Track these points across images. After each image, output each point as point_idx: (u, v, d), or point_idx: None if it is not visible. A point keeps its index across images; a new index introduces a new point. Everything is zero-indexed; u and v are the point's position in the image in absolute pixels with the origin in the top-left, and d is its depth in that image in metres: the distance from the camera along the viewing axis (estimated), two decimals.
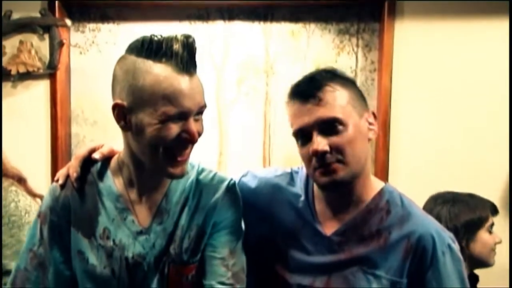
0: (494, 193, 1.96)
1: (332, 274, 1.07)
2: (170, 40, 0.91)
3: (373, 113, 1.11)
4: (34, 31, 2.07)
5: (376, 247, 1.06)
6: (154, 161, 0.95)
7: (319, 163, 1.02)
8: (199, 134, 0.95)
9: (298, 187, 1.17)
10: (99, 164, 1.07)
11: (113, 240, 1.01)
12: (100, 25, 2.14)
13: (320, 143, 1.00)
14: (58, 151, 2.10)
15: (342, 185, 1.04)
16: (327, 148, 1.01)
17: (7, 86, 2.10)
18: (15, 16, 2.05)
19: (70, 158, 2.15)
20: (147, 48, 0.91)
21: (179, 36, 0.91)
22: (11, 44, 2.07)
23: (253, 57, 2.15)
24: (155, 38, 0.91)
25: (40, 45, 2.08)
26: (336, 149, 1.01)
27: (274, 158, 2.13)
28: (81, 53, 2.15)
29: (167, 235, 1.02)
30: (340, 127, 1.01)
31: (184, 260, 1.02)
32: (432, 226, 1.09)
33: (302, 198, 1.15)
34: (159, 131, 0.91)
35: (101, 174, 1.05)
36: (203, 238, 1.04)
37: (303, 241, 1.11)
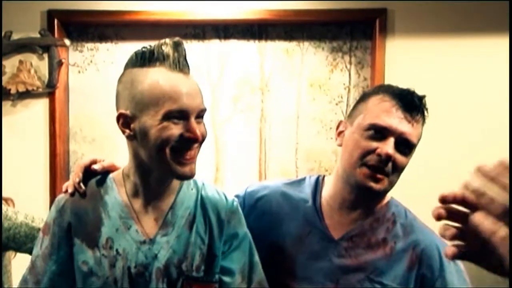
0: None
1: (339, 282, 1.09)
2: (160, 46, 0.96)
3: None
4: (34, 51, 2.09)
5: (382, 255, 1.09)
6: (162, 164, 0.97)
7: (376, 165, 1.05)
8: (203, 136, 0.97)
9: (305, 193, 1.20)
10: (104, 176, 1.09)
11: (116, 250, 1.02)
12: (98, 44, 2.18)
13: (392, 150, 1.05)
14: (57, 168, 2.12)
15: (373, 195, 1.09)
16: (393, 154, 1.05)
17: (6, 105, 2.12)
18: (15, 36, 2.08)
19: (68, 175, 2.17)
20: (141, 58, 0.97)
21: (168, 41, 0.97)
22: (11, 63, 2.09)
23: (248, 75, 2.19)
24: (146, 48, 0.97)
25: (39, 65, 2.11)
26: (395, 165, 1.06)
27: (270, 173, 2.12)
28: (79, 72, 2.18)
29: (170, 247, 1.03)
30: (408, 151, 1.08)
31: (196, 277, 1.03)
32: (434, 238, 1.11)
33: (310, 203, 1.18)
34: (162, 131, 0.93)
35: (106, 186, 1.07)
36: (215, 260, 1.05)
37: (311, 246, 1.13)
